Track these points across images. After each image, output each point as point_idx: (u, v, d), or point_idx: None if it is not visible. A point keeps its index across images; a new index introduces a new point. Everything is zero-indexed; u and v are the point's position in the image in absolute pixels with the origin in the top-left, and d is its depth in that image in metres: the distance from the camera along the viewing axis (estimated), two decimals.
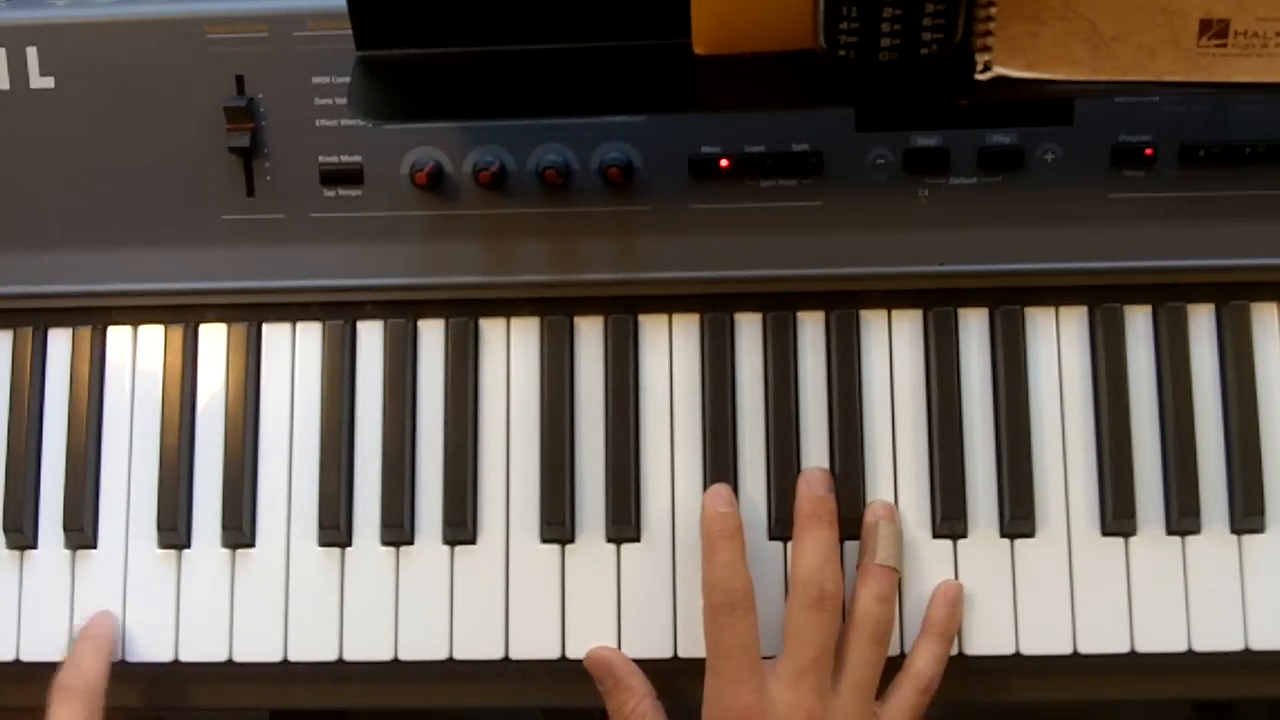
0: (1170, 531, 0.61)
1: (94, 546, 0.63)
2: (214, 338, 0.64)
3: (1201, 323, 0.62)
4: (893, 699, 0.59)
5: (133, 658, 0.62)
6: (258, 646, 0.61)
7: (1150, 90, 0.58)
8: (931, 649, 0.59)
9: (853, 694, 0.57)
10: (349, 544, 0.62)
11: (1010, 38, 0.52)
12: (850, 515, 0.60)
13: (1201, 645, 0.60)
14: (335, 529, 0.62)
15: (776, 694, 0.56)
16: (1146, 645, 0.60)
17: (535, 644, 0.61)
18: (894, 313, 0.63)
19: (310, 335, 0.64)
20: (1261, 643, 0.60)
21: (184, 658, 0.61)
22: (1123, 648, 0.60)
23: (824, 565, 0.58)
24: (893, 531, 0.60)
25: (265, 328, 0.64)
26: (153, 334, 0.64)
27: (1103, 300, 0.62)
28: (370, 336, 0.64)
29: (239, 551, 0.62)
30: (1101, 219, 0.61)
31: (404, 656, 0.61)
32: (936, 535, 0.61)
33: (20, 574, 0.63)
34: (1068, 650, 0.60)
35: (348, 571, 0.62)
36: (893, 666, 0.59)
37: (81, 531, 0.62)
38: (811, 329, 0.63)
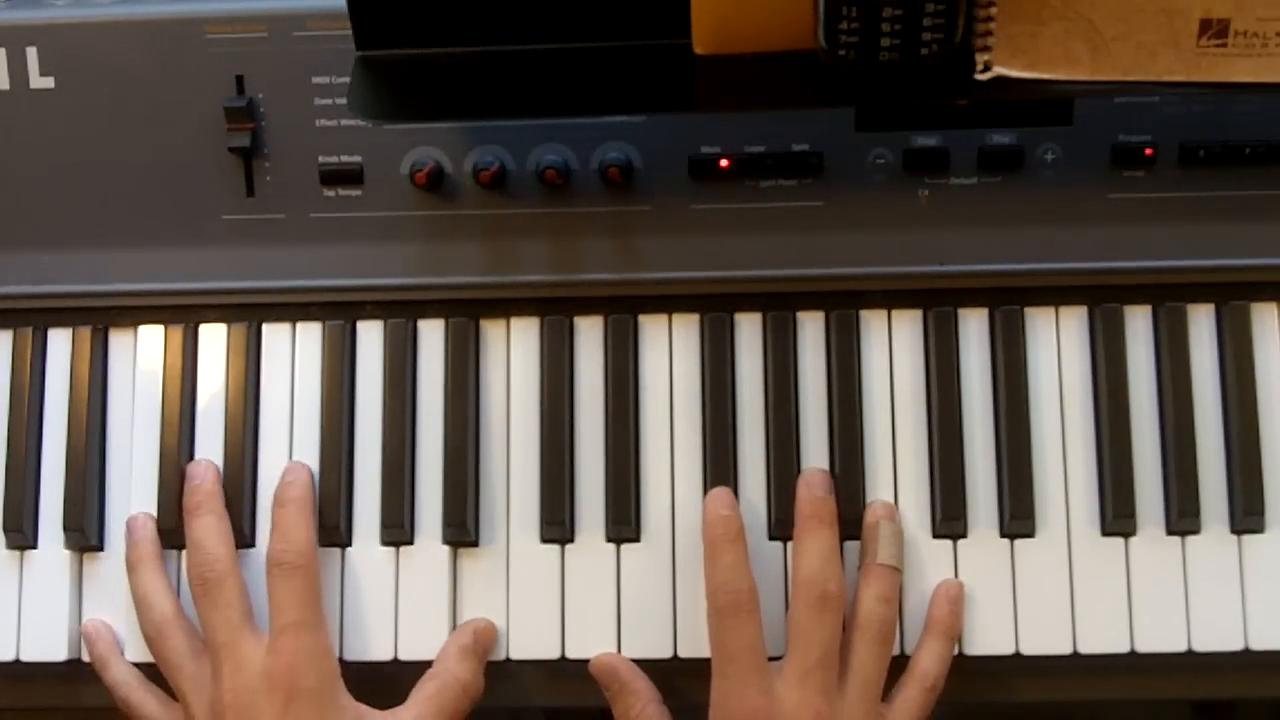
0: (1170, 531, 0.61)
1: (94, 547, 0.63)
2: (214, 338, 0.64)
3: (1201, 323, 0.62)
4: (899, 699, 0.59)
5: (133, 657, 0.62)
6: None
7: (1150, 90, 0.58)
8: (935, 648, 0.59)
9: (859, 694, 0.57)
10: (349, 544, 0.62)
11: (1010, 38, 0.52)
12: (850, 516, 0.60)
13: (1201, 645, 0.60)
14: (335, 529, 0.62)
15: (784, 695, 0.56)
16: (1146, 645, 0.60)
17: (535, 644, 0.61)
18: (894, 313, 0.63)
19: (310, 335, 0.64)
20: (1261, 643, 0.60)
21: None
22: (1123, 648, 0.60)
23: (826, 566, 0.58)
24: (894, 531, 0.60)
25: (265, 328, 0.64)
26: (153, 334, 0.64)
27: (1103, 300, 0.62)
28: (370, 336, 0.64)
29: (239, 551, 0.62)
30: (1101, 219, 0.61)
31: (404, 656, 0.61)
32: (936, 535, 0.61)
33: (20, 574, 0.63)
34: (1068, 650, 0.60)
35: (347, 571, 0.62)
36: (896, 667, 0.59)
37: (81, 532, 0.62)
38: (811, 329, 0.63)
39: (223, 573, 0.59)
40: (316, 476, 0.62)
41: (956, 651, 0.60)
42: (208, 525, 0.60)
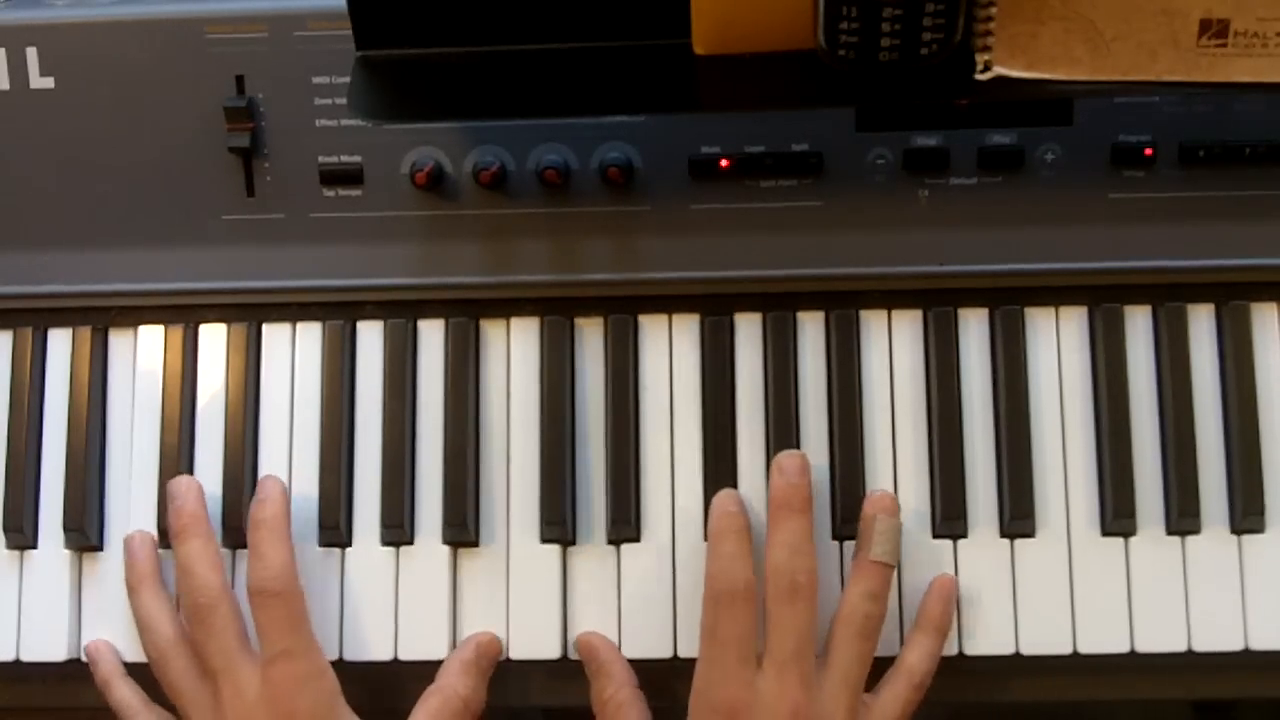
0: (1170, 531, 0.61)
1: (94, 547, 0.63)
2: (214, 338, 0.64)
3: (1201, 323, 0.62)
4: (885, 693, 0.58)
5: (131, 658, 0.62)
6: None
7: (1150, 90, 0.58)
8: (925, 644, 0.59)
9: (839, 688, 0.57)
10: (349, 544, 0.62)
11: (1010, 38, 0.52)
12: (849, 516, 0.60)
13: (1201, 645, 0.60)
14: (335, 529, 0.62)
15: (762, 687, 0.56)
16: (1146, 645, 0.60)
17: (535, 644, 0.61)
18: (894, 313, 0.63)
19: (310, 335, 0.64)
20: (1261, 643, 0.60)
21: None
22: (1123, 648, 0.60)
23: (794, 557, 0.57)
24: (890, 526, 0.59)
25: (265, 328, 0.64)
26: (153, 334, 0.64)
27: (1103, 300, 0.62)
28: (370, 336, 0.64)
29: (239, 552, 0.62)
30: (1101, 219, 0.61)
31: (404, 656, 0.61)
32: (936, 535, 0.61)
33: (20, 574, 0.63)
34: (1068, 650, 0.60)
35: (347, 571, 0.62)
36: (887, 665, 0.59)
37: (82, 532, 0.62)
38: (811, 329, 0.63)
39: (214, 599, 0.59)
40: (316, 477, 0.62)
41: (956, 651, 0.60)
42: (194, 550, 0.60)
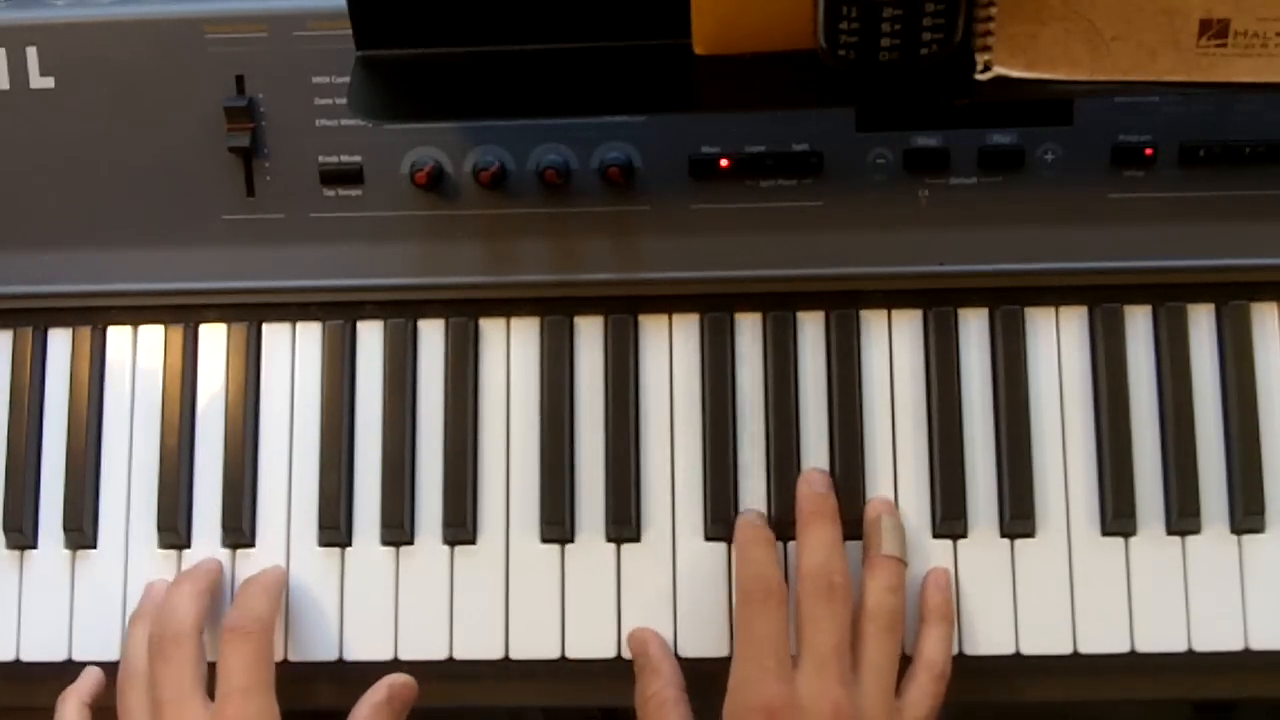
0: (1170, 531, 0.61)
1: (94, 546, 0.63)
2: (214, 338, 0.64)
3: (1201, 323, 0.62)
4: (912, 689, 0.58)
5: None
6: None
7: (1150, 90, 0.58)
8: (938, 634, 0.59)
9: (874, 685, 0.57)
10: (349, 544, 0.62)
11: (1010, 38, 0.52)
12: (850, 515, 0.60)
13: (1201, 645, 0.60)
14: (335, 529, 0.62)
15: (802, 686, 0.56)
16: (1146, 645, 0.60)
17: (535, 644, 0.61)
18: (894, 313, 0.63)
19: (310, 335, 0.64)
20: (1261, 643, 0.60)
21: None
22: (1123, 648, 0.60)
23: (831, 557, 0.58)
24: (895, 524, 0.60)
25: (265, 328, 0.64)
26: (153, 334, 0.64)
27: (1103, 300, 0.62)
28: (370, 336, 0.64)
29: (239, 551, 0.62)
30: (1101, 219, 0.61)
31: (404, 656, 0.61)
32: (936, 535, 0.61)
33: (20, 574, 0.63)
34: (1068, 650, 0.60)
35: (347, 571, 0.62)
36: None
37: (81, 531, 0.62)
38: (811, 329, 0.63)
39: (182, 633, 0.57)
40: (316, 476, 0.62)
41: (956, 651, 0.60)
42: (185, 591, 0.59)
